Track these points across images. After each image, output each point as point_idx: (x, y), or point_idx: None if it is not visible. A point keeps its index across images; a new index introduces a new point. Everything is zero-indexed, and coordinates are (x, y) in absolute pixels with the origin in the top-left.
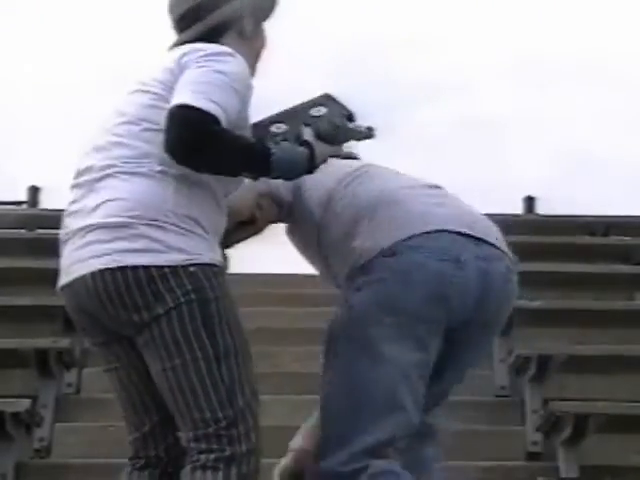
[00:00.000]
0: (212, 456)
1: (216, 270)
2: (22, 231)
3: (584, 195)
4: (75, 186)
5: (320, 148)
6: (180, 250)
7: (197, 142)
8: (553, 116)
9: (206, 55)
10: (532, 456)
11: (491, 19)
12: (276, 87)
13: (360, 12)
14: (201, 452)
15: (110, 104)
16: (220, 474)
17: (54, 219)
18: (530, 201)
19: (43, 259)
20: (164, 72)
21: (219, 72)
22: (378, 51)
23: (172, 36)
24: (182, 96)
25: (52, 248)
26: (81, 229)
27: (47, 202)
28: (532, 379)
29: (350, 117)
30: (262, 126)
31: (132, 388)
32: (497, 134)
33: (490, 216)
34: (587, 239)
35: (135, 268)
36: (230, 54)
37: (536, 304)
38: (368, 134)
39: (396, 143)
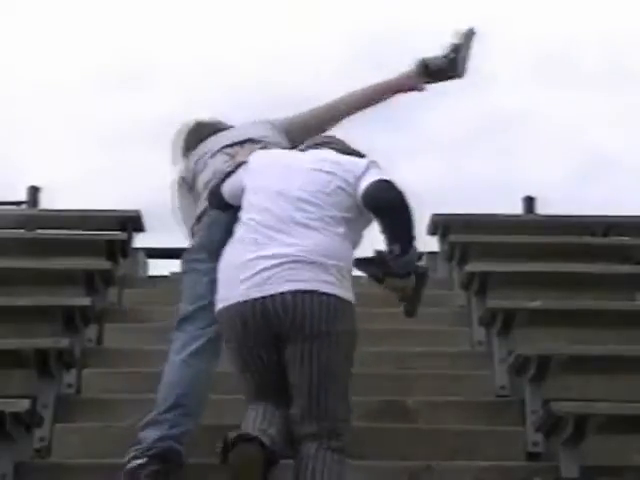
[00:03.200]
0: (334, 443)
1: None
2: (22, 231)
3: (597, 196)
4: (267, 225)
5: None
6: (350, 291)
7: (403, 199)
8: (570, 115)
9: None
10: (532, 456)
11: (511, 16)
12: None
13: (376, 5)
14: (329, 438)
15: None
16: (339, 456)
17: (54, 219)
18: (530, 201)
19: (43, 259)
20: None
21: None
22: (398, 49)
23: None
24: (374, 175)
25: (52, 248)
26: (279, 262)
27: (47, 202)
28: (532, 379)
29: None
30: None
31: (268, 379)
32: (512, 132)
33: (492, 216)
34: (587, 239)
35: (327, 295)
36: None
37: (536, 304)
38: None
39: (411, 141)
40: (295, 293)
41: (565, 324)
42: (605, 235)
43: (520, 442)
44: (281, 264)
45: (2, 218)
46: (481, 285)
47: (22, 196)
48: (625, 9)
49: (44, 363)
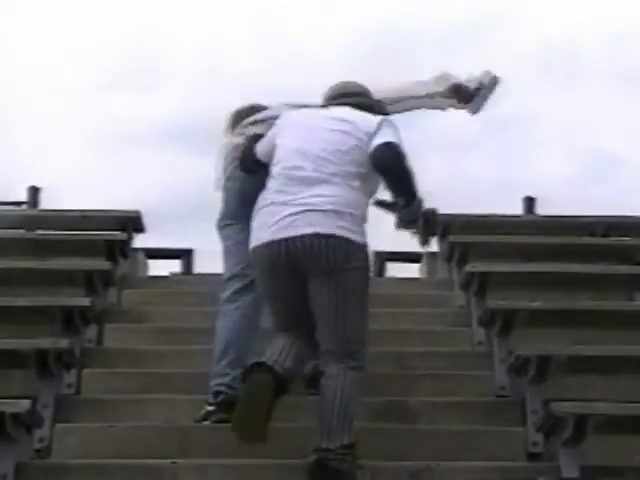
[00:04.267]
0: (353, 363)
1: None
2: (22, 231)
3: (600, 196)
4: (293, 178)
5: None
6: (365, 235)
7: (403, 162)
8: (572, 114)
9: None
10: (532, 456)
11: (513, 14)
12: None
13: (383, 7)
14: (348, 358)
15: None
16: (357, 374)
17: (54, 219)
18: (530, 201)
19: (43, 259)
20: (365, 134)
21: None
22: (402, 48)
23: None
24: (382, 136)
25: (52, 248)
26: (302, 209)
27: (47, 202)
28: (532, 379)
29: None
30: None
31: (291, 308)
32: (514, 132)
33: (492, 216)
34: (587, 239)
35: (341, 238)
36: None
37: (536, 304)
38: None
39: (411, 141)
40: (313, 236)
41: (565, 324)
42: (605, 235)
43: (520, 442)
44: (303, 212)
45: (2, 218)
46: (481, 285)
47: (22, 196)
48: (630, 7)
49: (44, 363)
